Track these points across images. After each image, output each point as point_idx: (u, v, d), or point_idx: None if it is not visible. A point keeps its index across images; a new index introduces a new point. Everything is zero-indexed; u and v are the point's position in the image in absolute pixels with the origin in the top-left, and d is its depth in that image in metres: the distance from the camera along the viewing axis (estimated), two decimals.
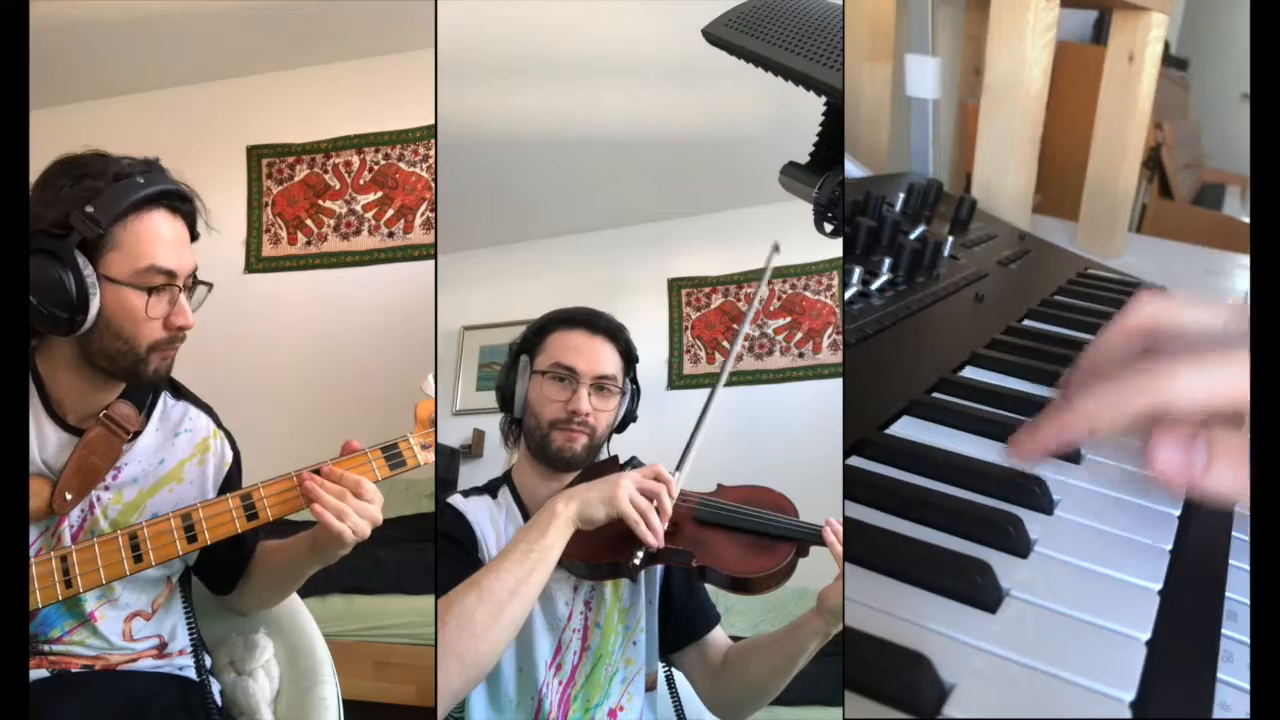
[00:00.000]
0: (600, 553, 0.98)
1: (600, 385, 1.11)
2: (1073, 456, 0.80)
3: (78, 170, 0.93)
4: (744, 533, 1.00)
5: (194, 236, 1.00)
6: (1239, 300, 0.72)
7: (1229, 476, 0.60)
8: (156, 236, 0.94)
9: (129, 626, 1.04)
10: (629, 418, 1.17)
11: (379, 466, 0.98)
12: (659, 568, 1.12)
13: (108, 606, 1.02)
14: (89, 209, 0.90)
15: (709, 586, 1.05)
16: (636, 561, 0.96)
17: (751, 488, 1.08)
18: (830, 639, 0.99)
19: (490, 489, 1.13)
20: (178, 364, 1.00)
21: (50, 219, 0.90)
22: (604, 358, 1.12)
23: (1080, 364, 0.77)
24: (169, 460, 1.04)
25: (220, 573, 1.11)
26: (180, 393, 1.09)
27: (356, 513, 0.94)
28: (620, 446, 1.17)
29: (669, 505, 0.97)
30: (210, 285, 0.99)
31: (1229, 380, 0.61)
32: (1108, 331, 0.75)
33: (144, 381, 0.99)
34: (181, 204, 0.97)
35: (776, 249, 1.17)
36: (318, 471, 0.96)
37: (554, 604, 1.06)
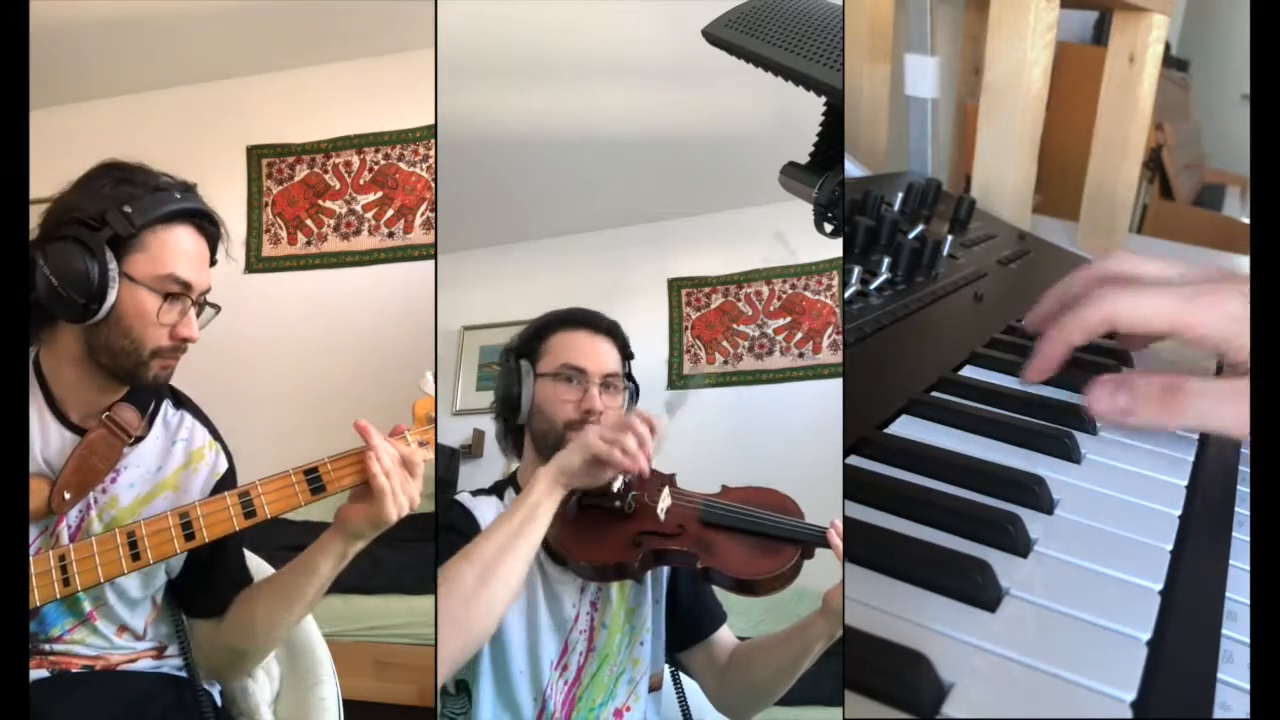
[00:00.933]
0: (605, 555, 0.98)
1: (608, 383, 1.11)
2: (1073, 456, 0.80)
3: (121, 174, 0.98)
4: (749, 534, 1.00)
5: (213, 260, 1.02)
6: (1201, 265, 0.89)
7: (1148, 412, 0.78)
8: (180, 249, 0.98)
9: (122, 633, 1.04)
10: None
11: None
12: (665, 567, 1.12)
13: (102, 609, 1.02)
14: (126, 209, 0.94)
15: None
16: (617, 485, 0.95)
17: (756, 489, 1.07)
18: (834, 641, 0.99)
19: (497, 490, 1.13)
20: (179, 363, 1.01)
21: (89, 211, 0.94)
22: (609, 356, 1.13)
23: (1049, 296, 0.96)
24: (166, 468, 1.04)
25: (201, 590, 1.07)
26: (181, 402, 1.09)
27: (405, 491, 0.96)
28: None
29: (645, 431, 0.96)
30: (219, 308, 1.01)
31: (1165, 307, 0.80)
32: (1081, 271, 0.93)
33: (142, 384, 1.00)
34: (209, 226, 1.01)
35: (786, 245, 1.17)
36: (313, 471, 0.96)
37: (561, 605, 1.06)
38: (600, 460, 0.96)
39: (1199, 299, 0.79)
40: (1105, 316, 0.83)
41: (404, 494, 0.95)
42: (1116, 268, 0.91)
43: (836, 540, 0.95)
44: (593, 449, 0.95)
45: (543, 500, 0.95)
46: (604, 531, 0.97)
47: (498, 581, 0.90)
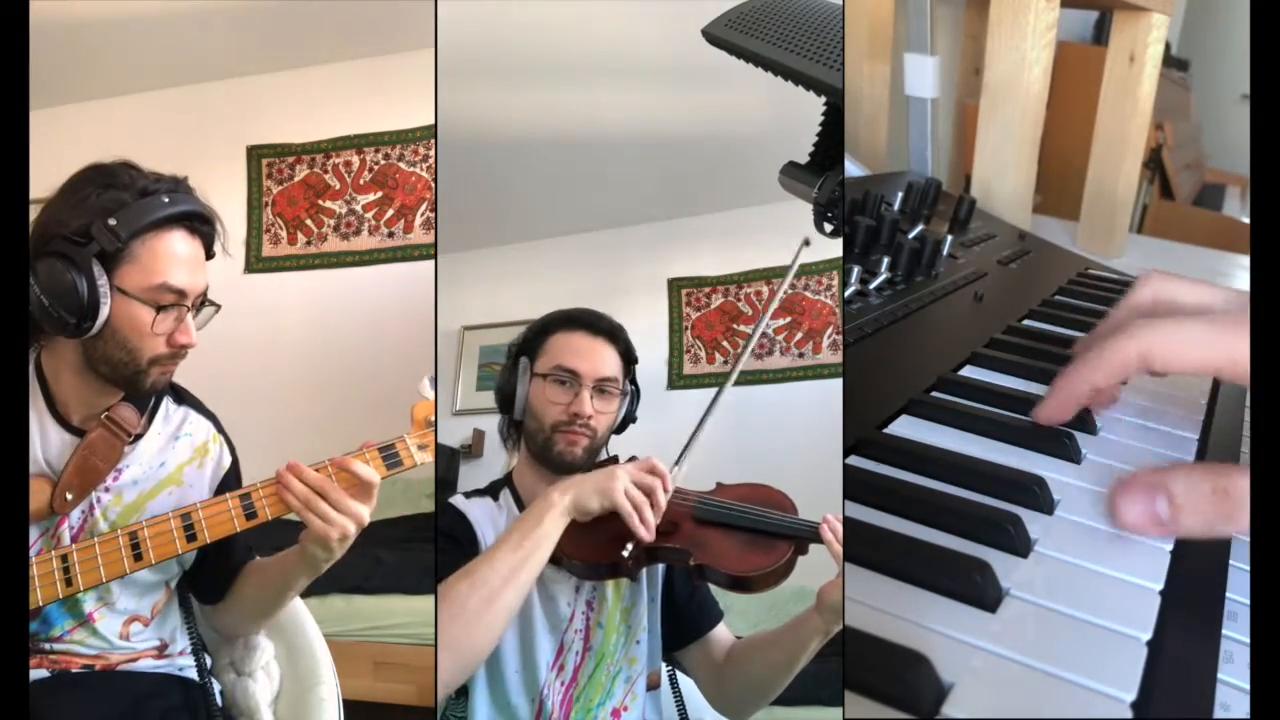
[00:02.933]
0: (598, 552, 0.98)
1: (601, 388, 1.11)
2: (1073, 456, 0.80)
3: (105, 180, 0.95)
4: (743, 531, 1.00)
5: (210, 255, 1.01)
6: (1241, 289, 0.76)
7: (1197, 522, 0.63)
8: (172, 256, 0.95)
9: (127, 629, 1.04)
10: (628, 419, 1.17)
11: (376, 466, 0.98)
12: (661, 565, 1.12)
13: (105, 608, 1.02)
14: (111, 221, 0.92)
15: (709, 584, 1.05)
16: (626, 554, 0.96)
17: (750, 485, 1.07)
18: (831, 637, 0.99)
19: (491, 491, 1.13)
20: (180, 363, 1.01)
21: (73, 226, 0.92)
22: (605, 360, 1.12)
23: (1091, 334, 0.83)
24: (169, 464, 1.05)
25: (208, 582, 1.10)
26: (182, 398, 1.09)
27: (336, 509, 0.94)
28: (620, 446, 1.17)
29: (663, 499, 0.97)
30: (218, 306, 1.00)
31: (1209, 344, 0.68)
32: (1116, 308, 0.82)
33: (141, 392, 1.00)
34: (201, 225, 0.99)
35: (807, 243, 1.14)
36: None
37: (556, 605, 1.06)
38: (616, 511, 0.96)
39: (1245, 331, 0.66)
40: (1141, 351, 0.69)
41: (336, 516, 0.94)
42: (1152, 294, 0.78)
43: (829, 535, 0.95)
44: (616, 504, 0.95)
45: (551, 532, 0.95)
46: (597, 529, 0.97)
47: (499, 609, 0.90)
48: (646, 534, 0.96)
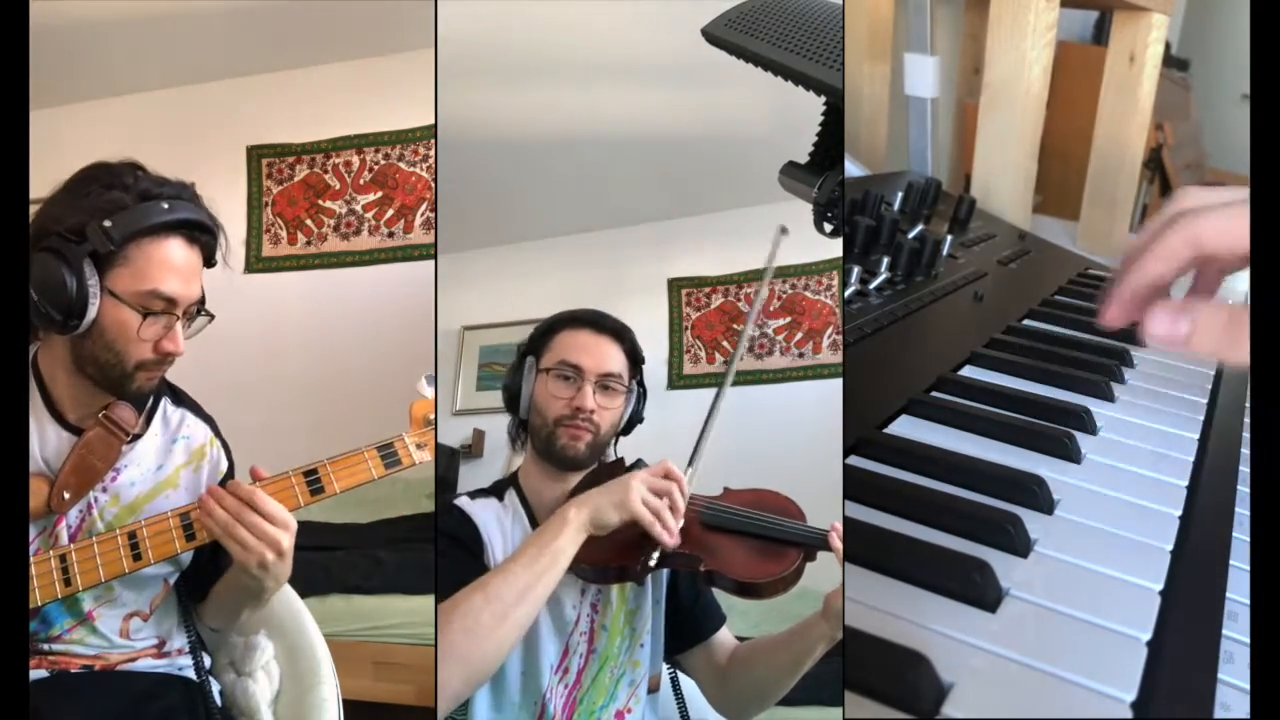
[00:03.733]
0: (608, 557, 0.97)
1: (605, 384, 1.11)
2: (1073, 456, 0.80)
3: (108, 180, 0.94)
4: (751, 537, 1.00)
5: (212, 264, 1.00)
6: None
7: (1209, 341, 0.70)
8: (165, 263, 0.95)
9: (126, 625, 1.04)
10: (635, 420, 1.16)
11: (375, 465, 0.98)
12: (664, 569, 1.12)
13: (105, 606, 1.02)
14: (106, 223, 0.91)
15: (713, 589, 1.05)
16: (652, 561, 0.95)
17: (758, 491, 1.07)
18: (836, 643, 0.99)
19: (496, 491, 1.13)
20: (178, 363, 1.00)
21: (69, 223, 0.92)
22: (609, 356, 1.12)
23: (1134, 243, 0.81)
24: (166, 466, 1.04)
25: (196, 579, 1.10)
26: (181, 400, 1.09)
27: (253, 533, 0.92)
28: (623, 446, 1.17)
29: (681, 502, 0.97)
30: (212, 316, 0.99)
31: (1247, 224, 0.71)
32: (1154, 219, 0.80)
33: (127, 396, 1.00)
34: (201, 234, 0.98)
35: (784, 231, 1.14)
36: (313, 472, 0.96)
37: (561, 608, 1.05)
38: (637, 522, 0.95)
39: None
40: (1187, 238, 0.73)
41: (254, 542, 0.92)
42: (1186, 201, 0.77)
43: (838, 543, 0.95)
44: (635, 514, 0.95)
45: (567, 548, 0.94)
46: (609, 535, 0.97)
47: (513, 623, 0.90)
48: (670, 539, 0.95)
